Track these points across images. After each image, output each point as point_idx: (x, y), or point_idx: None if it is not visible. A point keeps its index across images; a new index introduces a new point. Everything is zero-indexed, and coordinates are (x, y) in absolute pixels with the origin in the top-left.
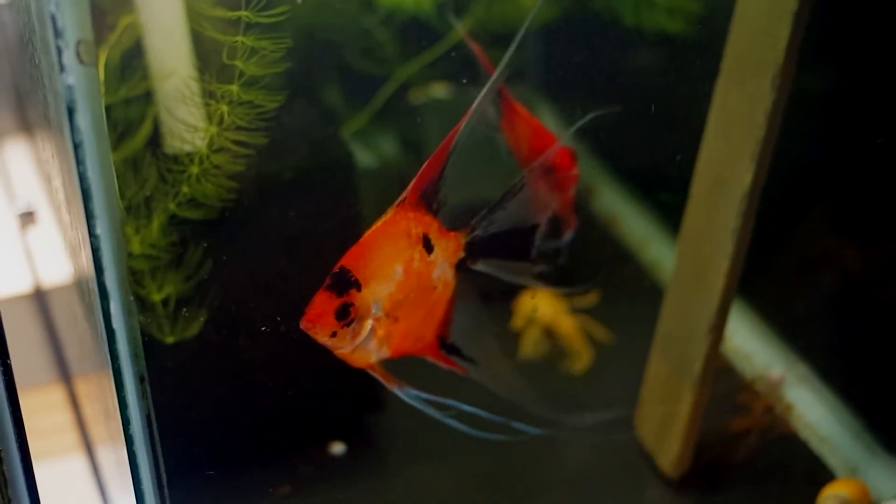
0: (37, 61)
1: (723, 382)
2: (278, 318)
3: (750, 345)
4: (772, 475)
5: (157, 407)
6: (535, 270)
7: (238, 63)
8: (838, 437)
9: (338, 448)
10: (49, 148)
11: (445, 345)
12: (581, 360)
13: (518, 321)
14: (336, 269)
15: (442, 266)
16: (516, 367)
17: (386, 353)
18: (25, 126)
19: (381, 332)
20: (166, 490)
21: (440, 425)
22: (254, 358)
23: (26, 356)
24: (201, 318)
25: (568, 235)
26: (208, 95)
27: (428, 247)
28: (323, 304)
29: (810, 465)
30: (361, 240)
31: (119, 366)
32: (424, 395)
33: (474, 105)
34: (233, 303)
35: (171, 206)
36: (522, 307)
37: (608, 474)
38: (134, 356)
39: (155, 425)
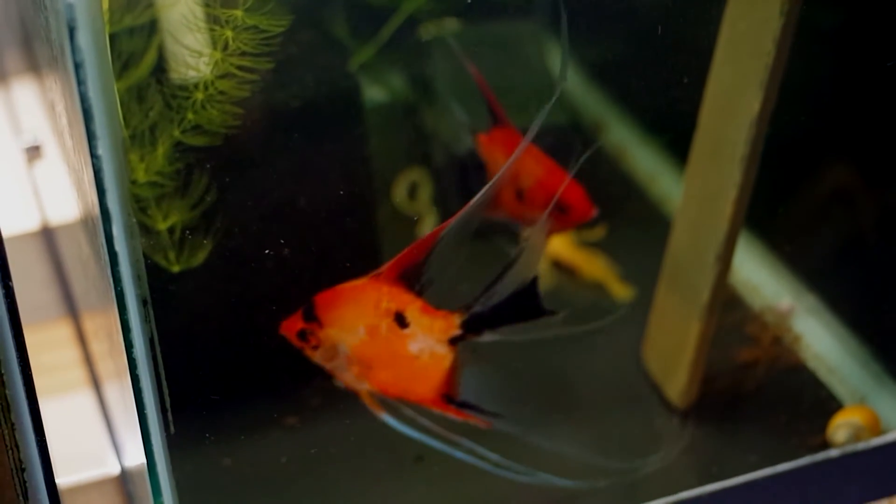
0: None
1: (731, 314)
2: (282, 243)
3: (758, 276)
4: (780, 405)
5: (164, 335)
6: (556, 319)
7: None
8: (846, 367)
9: None
10: (53, 74)
11: (455, 402)
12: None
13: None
14: (309, 302)
15: (424, 341)
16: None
17: (368, 387)
18: (33, 64)
19: (354, 370)
20: (170, 414)
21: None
22: (261, 286)
23: (34, 292)
24: (207, 247)
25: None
26: (213, 21)
27: (401, 322)
28: (293, 321)
29: (819, 395)
30: (338, 288)
31: (122, 289)
32: (401, 428)
33: (472, 203)
34: (238, 230)
35: (176, 133)
36: None
37: (616, 404)
38: (136, 279)
39: (158, 349)
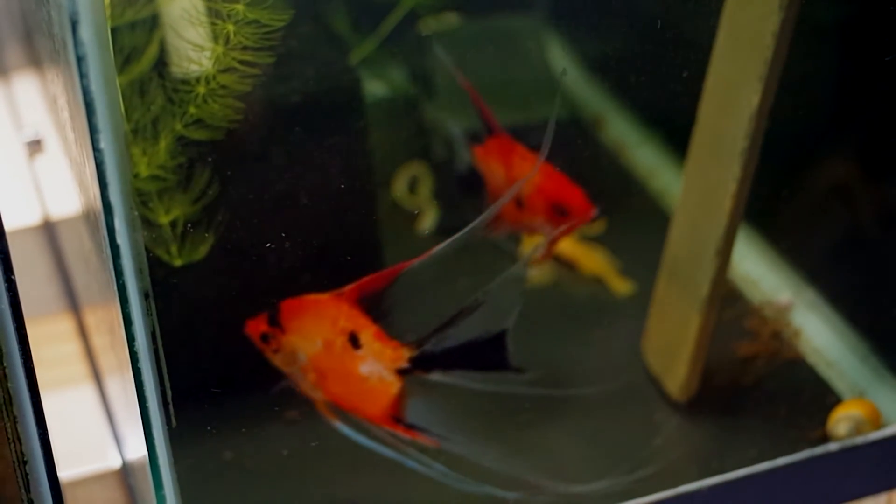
0: None
1: (731, 308)
2: (283, 236)
3: (758, 271)
4: (779, 399)
5: (166, 329)
6: (522, 378)
7: None
8: (846, 361)
9: None
10: (54, 68)
11: (404, 423)
12: (616, 285)
13: (526, 248)
14: (274, 307)
15: (373, 365)
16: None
17: (322, 396)
18: (34, 58)
19: (310, 378)
20: (172, 408)
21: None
22: (262, 279)
23: (35, 286)
24: (209, 241)
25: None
26: (214, 15)
27: (355, 343)
28: (257, 323)
29: (818, 389)
30: (304, 298)
31: (123, 282)
32: (353, 436)
33: (443, 244)
34: (240, 224)
35: (178, 127)
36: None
37: (616, 398)
38: (138, 272)
39: (160, 342)
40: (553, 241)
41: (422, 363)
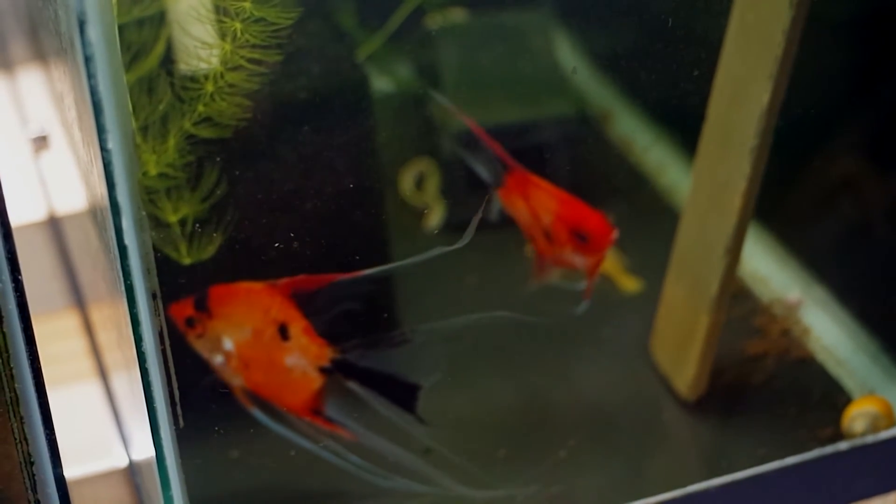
0: None
1: (740, 306)
2: (291, 235)
3: (767, 268)
4: (789, 398)
5: (175, 328)
6: (422, 430)
7: None
8: (855, 359)
9: None
10: (61, 66)
11: (323, 415)
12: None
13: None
14: (203, 291)
15: (298, 359)
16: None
17: (242, 384)
18: (40, 54)
19: (232, 364)
20: (179, 408)
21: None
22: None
23: (41, 283)
24: (218, 239)
25: (583, 306)
26: (222, 13)
27: (284, 334)
28: (183, 306)
29: (827, 387)
30: (235, 285)
31: (131, 282)
32: (270, 424)
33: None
34: (248, 222)
35: (187, 125)
36: None
37: (624, 397)
38: (146, 272)
39: (168, 342)
40: (591, 278)
41: (342, 368)
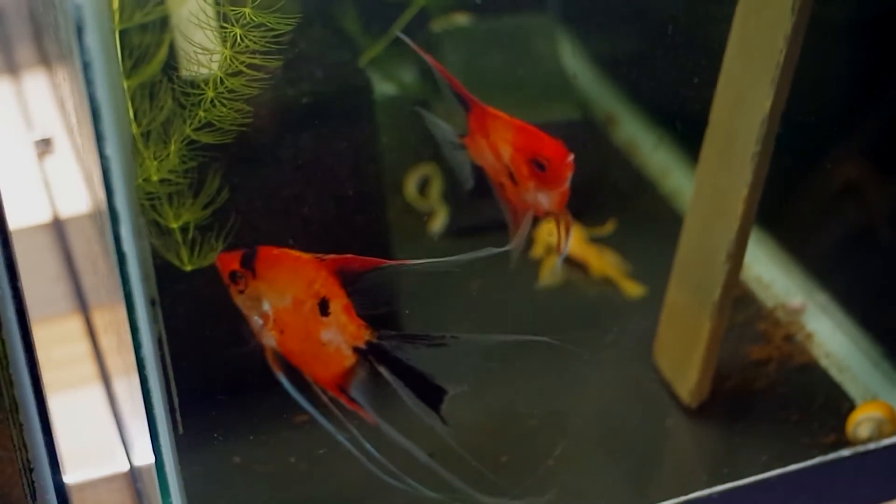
0: None
1: (743, 311)
2: (292, 242)
3: (770, 273)
4: (791, 404)
5: (176, 333)
6: (441, 427)
7: None
8: (858, 365)
9: None
10: (62, 71)
11: (347, 394)
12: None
13: (537, 249)
14: (252, 249)
15: (335, 335)
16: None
17: (275, 347)
18: (44, 56)
19: (269, 328)
20: (178, 414)
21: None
22: None
23: (44, 286)
24: (219, 245)
25: (565, 246)
26: (223, 19)
27: (324, 309)
28: (230, 259)
29: (830, 393)
30: (284, 250)
31: (130, 289)
32: (292, 392)
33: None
34: (250, 228)
35: (188, 131)
36: (542, 236)
37: (627, 403)
38: (145, 279)
39: (167, 349)
40: (560, 227)
41: (375, 353)
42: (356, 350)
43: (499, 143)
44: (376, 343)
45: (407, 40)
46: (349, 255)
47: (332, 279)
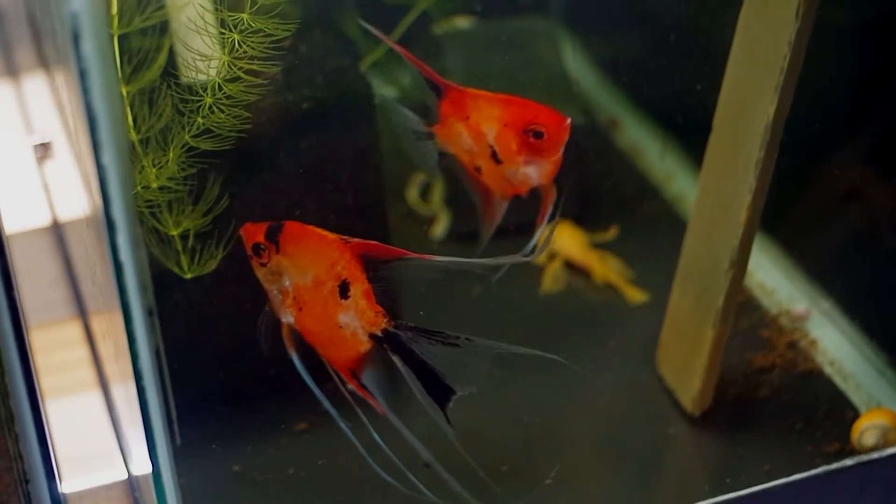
0: None
1: (746, 318)
2: None
3: (774, 280)
4: (795, 412)
5: (176, 341)
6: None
7: None
8: (863, 372)
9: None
10: (60, 74)
11: (359, 379)
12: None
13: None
14: (279, 223)
15: (352, 319)
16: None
17: (293, 322)
18: (43, 60)
19: (287, 303)
20: (175, 425)
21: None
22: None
23: (42, 291)
24: (219, 253)
25: (545, 223)
26: (222, 25)
27: (343, 291)
28: (255, 231)
29: (834, 401)
30: (310, 228)
31: (127, 299)
32: (302, 371)
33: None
34: None
35: (187, 138)
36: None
37: (629, 411)
38: (142, 289)
39: (164, 360)
40: (547, 195)
41: (391, 342)
42: (372, 336)
43: (481, 122)
44: (393, 332)
45: (369, 28)
46: (374, 242)
47: (355, 262)
